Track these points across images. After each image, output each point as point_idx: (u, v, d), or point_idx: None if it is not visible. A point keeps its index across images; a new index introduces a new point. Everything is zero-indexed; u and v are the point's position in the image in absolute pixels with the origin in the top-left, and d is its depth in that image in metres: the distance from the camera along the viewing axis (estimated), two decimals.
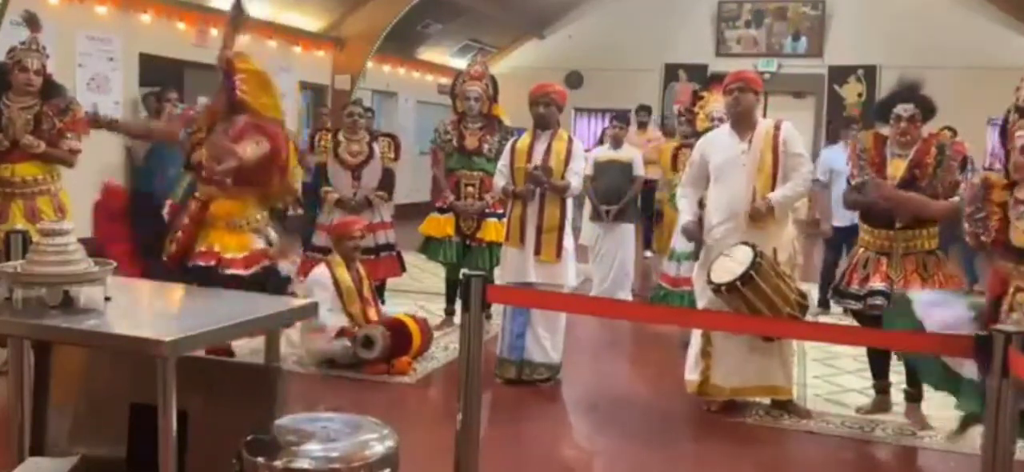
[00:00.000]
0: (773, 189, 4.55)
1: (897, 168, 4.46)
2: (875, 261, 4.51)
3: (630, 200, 7.72)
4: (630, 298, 7.58)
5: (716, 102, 5.71)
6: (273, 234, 4.78)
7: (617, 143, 7.83)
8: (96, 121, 4.92)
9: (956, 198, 4.21)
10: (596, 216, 7.73)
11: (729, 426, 4.59)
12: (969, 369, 3.42)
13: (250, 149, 4.42)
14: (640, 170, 7.80)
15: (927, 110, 4.50)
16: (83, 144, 5.12)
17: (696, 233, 4.89)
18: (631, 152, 7.89)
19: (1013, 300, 3.42)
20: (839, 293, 4.71)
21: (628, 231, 7.81)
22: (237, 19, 4.59)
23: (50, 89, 5.01)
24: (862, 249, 4.63)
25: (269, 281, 4.52)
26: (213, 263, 4.47)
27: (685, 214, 4.88)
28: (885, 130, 4.63)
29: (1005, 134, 3.56)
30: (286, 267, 4.76)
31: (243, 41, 4.70)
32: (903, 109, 4.47)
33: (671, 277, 6.59)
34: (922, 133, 4.53)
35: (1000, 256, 3.49)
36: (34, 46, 4.93)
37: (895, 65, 14.10)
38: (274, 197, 4.81)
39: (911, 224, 4.40)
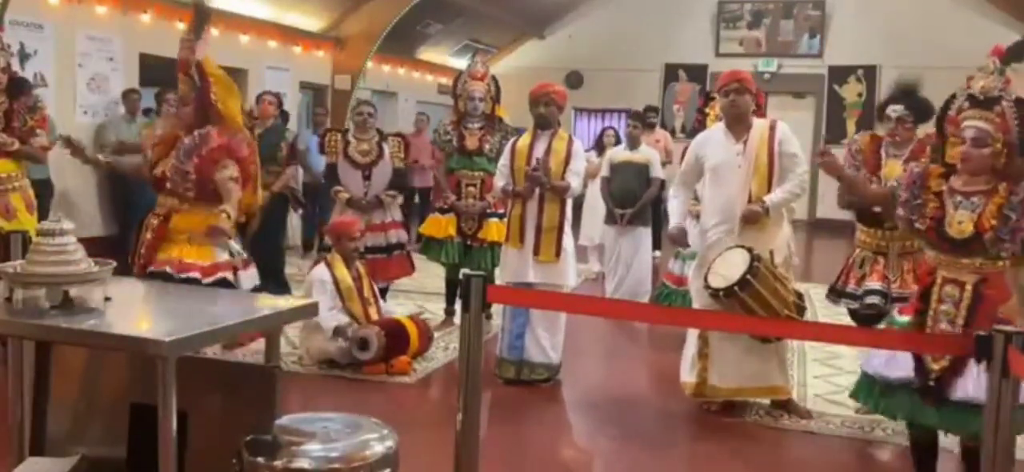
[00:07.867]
0: (770, 190, 4.54)
1: (893, 169, 4.48)
2: (872, 261, 4.63)
3: (645, 203, 7.43)
4: None
5: None
6: (236, 245, 4.50)
7: (634, 143, 7.60)
8: (69, 143, 4.61)
9: (893, 183, 3.99)
10: (611, 218, 7.49)
11: (729, 426, 4.59)
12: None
13: (234, 195, 4.23)
14: (658, 172, 7.53)
15: (920, 112, 4.53)
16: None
17: (682, 239, 4.96)
18: (649, 153, 7.60)
19: (941, 292, 3.41)
20: (836, 292, 4.81)
21: (644, 236, 7.52)
22: (203, 14, 4.31)
23: (17, 87, 4.91)
24: (858, 249, 4.75)
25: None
26: (170, 268, 4.22)
27: (674, 217, 4.93)
28: (882, 131, 4.69)
29: (943, 120, 3.51)
30: (248, 279, 4.48)
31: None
32: (892, 110, 4.56)
33: (675, 276, 6.57)
34: (918, 134, 4.55)
35: (932, 245, 3.48)
36: None
37: (895, 65, 14.14)
38: (239, 212, 4.45)
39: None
